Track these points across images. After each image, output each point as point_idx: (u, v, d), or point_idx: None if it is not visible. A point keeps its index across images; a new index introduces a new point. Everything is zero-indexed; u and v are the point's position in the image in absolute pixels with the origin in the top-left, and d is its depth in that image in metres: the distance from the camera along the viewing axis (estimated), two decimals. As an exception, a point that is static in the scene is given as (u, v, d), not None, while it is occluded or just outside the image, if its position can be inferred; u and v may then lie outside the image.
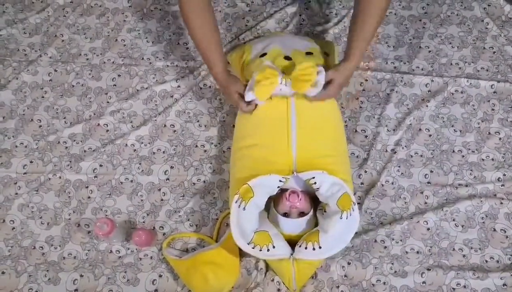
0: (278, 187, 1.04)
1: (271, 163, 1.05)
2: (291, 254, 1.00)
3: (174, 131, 1.32)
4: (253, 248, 0.98)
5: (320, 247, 0.97)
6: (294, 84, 1.09)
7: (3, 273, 1.13)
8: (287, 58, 1.18)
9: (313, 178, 1.01)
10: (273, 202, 1.07)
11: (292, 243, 1.03)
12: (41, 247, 1.16)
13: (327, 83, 1.11)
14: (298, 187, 1.06)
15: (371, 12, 1.08)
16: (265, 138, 1.10)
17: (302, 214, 1.04)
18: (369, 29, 1.10)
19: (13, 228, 1.19)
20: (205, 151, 1.29)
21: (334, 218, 0.98)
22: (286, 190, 1.04)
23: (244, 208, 0.99)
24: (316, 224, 1.05)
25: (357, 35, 1.11)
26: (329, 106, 1.17)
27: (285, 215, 1.04)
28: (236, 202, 1.00)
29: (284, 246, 1.01)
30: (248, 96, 1.10)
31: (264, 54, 1.21)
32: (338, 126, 1.18)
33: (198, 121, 1.34)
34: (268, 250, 0.98)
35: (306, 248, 0.98)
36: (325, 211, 1.04)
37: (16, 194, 1.23)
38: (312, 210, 1.05)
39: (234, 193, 1.02)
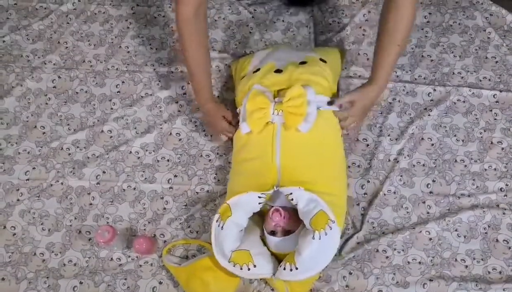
0: (260, 203, 1.02)
1: (258, 177, 1.05)
2: (273, 274, 0.99)
3: (180, 139, 1.33)
4: (234, 266, 0.98)
5: (296, 268, 0.94)
6: (286, 119, 1.08)
7: (3, 279, 1.13)
8: (277, 71, 1.18)
9: (291, 193, 0.99)
10: (264, 220, 1.06)
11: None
12: (42, 253, 1.16)
13: (350, 103, 1.13)
14: (286, 203, 1.03)
15: (397, 37, 1.06)
16: (254, 151, 1.10)
17: (288, 232, 1.01)
18: (395, 54, 1.09)
19: (14, 234, 1.19)
20: (209, 160, 1.29)
21: (307, 238, 0.95)
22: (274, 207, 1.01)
23: (222, 227, 0.99)
24: None
25: (383, 58, 1.10)
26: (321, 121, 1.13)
27: (272, 233, 1.02)
28: (216, 221, 1.00)
29: (266, 265, 1.00)
30: (244, 128, 1.11)
31: (258, 70, 1.22)
32: (329, 136, 1.15)
33: (204, 130, 1.34)
34: (248, 269, 0.97)
35: (284, 268, 0.96)
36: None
37: (18, 200, 1.23)
38: (299, 228, 1.02)
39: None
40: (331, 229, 0.95)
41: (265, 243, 1.05)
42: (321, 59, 1.25)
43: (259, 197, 1.01)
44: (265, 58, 1.27)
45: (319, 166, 1.08)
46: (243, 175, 1.10)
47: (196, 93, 1.22)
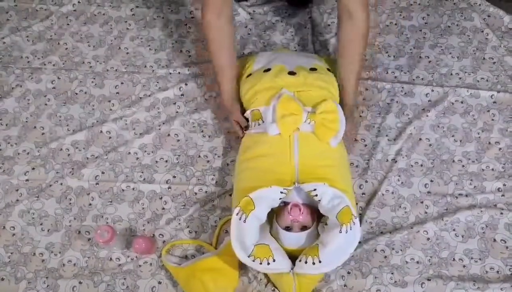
0: (280, 198, 1.03)
1: (274, 173, 1.06)
2: (292, 269, 1.00)
3: (178, 140, 1.33)
4: (253, 261, 0.98)
5: (320, 261, 0.96)
6: (318, 129, 1.10)
7: (2, 279, 1.13)
8: (291, 73, 1.19)
9: (315, 189, 1.01)
10: (275, 215, 1.07)
11: (293, 257, 1.02)
12: (41, 253, 1.16)
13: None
14: (301, 199, 1.06)
15: (355, 52, 1.17)
16: (266, 150, 1.11)
17: (304, 227, 1.03)
18: (356, 73, 1.19)
19: (14, 234, 1.19)
20: (208, 161, 1.29)
21: (334, 232, 0.98)
22: (288, 203, 1.03)
23: (245, 220, 0.99)
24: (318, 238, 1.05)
25: (345, 70, 1.20)
26: None
27: (287, 228, 1.03)
28: (237, 214, 1.00)
29: (284, 260, 1.01)
30: (273, 130, 1.10)
31: (268, 70, 1.22)
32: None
33: (202, 131, 1.34)
34: (268, 263, 0.98)
35: (306, 262, 0.97)
36: (326, 224, 1.03)
37: (17, 200, 1.23)
38: (314, 224, 1.05)
39: (236, 204, 1.03)
40: (354, 225, 0.98)
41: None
42: (328, 69, 1.27)
43: (281, 192, 1.02)
44: (272, 60, 1.27)
45: (336, 165, 1.11)
46: (257, 170, 1.09)
47: (220, 91, 1.27)
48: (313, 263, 0.96)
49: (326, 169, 1.07)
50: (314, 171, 1.05)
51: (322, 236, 1.01)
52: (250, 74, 1.25)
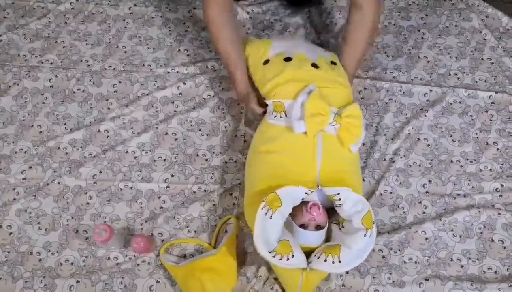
0: (303, 198, 1.04)
1: (296, 173, 1.05)
2: (308, 265, 1.00)
3: (176, 139, 1.33)
4: (274, 256, 0.97)
5: (340, 261, 0.97)
6: (342, 133, 1.10)
7: (-1, 278, 1.13)
8: (314, 65, 1.18)
9: (338, 193, 1.02)
10: (291, 212, 1.06)
11: (305, 254, 1.02)
12: (38, 253, 1.16)
13: None
14: (318, 200, 1.07)
15: (360, 35, 1.19)
16: (288, 147, 1.10)
17: (318, 227, 1.05)
18: (359, 50, 1.22)
19: (10, 233, 1.18)
20: (206, 159, 1.29)
21: (358, 235, 0.99)
22: (306, 202, 1.04)
23: (271, 216, 0.98)
24: (327, 238, 1.06)
25: (347, 55, 1.22)
26: None
27: (302, 226, 1.04)
28: (262, 209, 0.98)
29: (302, 256, 1.01)
30: (300, 127, 1.08)
31: (288, 58, 1.20)
32: None
33: (200, 130, 1.34)
34: (287, 259, 0.97)
35: (325, 260, 0.98)
36: (342, 226, 1.05)
37: (14, 199, 1.23)
38: (327, 224, 1.06)
39: (252, 199, 1.03)
40: (373, 229, 1.00)
41: None
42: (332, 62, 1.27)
43: (306, 193, 1.02)
44: (290, 47, 1.25)
45: (354, 172, 1.12)
46: (277, 167, 1.08)
47: (232, 83, 1.29)
48: (333, 262, 0.97)
49: (346, 175, 1.08)
50: (334, 174, 1.06)
51: (343, 238, 1.01)
52: (267, 61, 1.24)
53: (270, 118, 1.16)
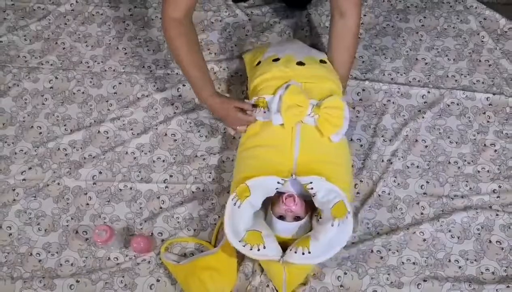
0: (276, 188, 1.05)
1: (273, 163, 1.07)
2: (282, 257, 1.01)
3: (175, 140, 1.33)
4: (244, 246, 0.99)
5: (309, 252, 0.98)
6: (321, 124, 1.11)
7: (-1, 279, 1.13)
8: (299, 63, 1.20)
9: (311, 182, 1.02)
10: (270, 203, 1.08)
11: (286, 246, 1.03)
12: (38, 253, 1.16)
13: None
14: (296, 191, 1.07)
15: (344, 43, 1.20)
16: (268, 139, 1.12)
17: (297, 218, 1.05)
18: (347, 55, 1.22)
19: (10, 234, 1.19)
20: (204, 160, 1.30)
21: (326, 225, 0.99)
22: (284, 193, 1.05)
23: (239, 206, 1.01)
24: (311, 230, 1.06)
25: (337, 62, 1.23)
26: None
27: (281, 217, 1.05)
28: (232, 199, 1.02)
29: (275, 248, 1.02)
30: (277, 120, 1.11)
31: (277, 59, 1.22)
32: (344, 138, 1.18)
33: (199, 131, 1.35)
34: (258, 249, 0.99)
35: (296, 252, 0.99)
36: (320, 218, 1.05)
37: (14, 200, 1.23)
38: (307, 216, 1.06)
39: (232, 191, 1.04)
40: (347, 219, 1.00)
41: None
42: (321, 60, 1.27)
43: (278, 182, 1.03)
44: (281, 50, 1.27)
45: (334, 163, 1.12)
46: (257, 159, 1.10)
47: (198, 94, 1.22)
48: (303, 253, 0.98)
49: (324, 165, 1.08)
50: (312, 165, 1.06)
51: (315, 229, 1.03)
52: (259, 63, 1.26)
53: (256, 114, 1.17)
